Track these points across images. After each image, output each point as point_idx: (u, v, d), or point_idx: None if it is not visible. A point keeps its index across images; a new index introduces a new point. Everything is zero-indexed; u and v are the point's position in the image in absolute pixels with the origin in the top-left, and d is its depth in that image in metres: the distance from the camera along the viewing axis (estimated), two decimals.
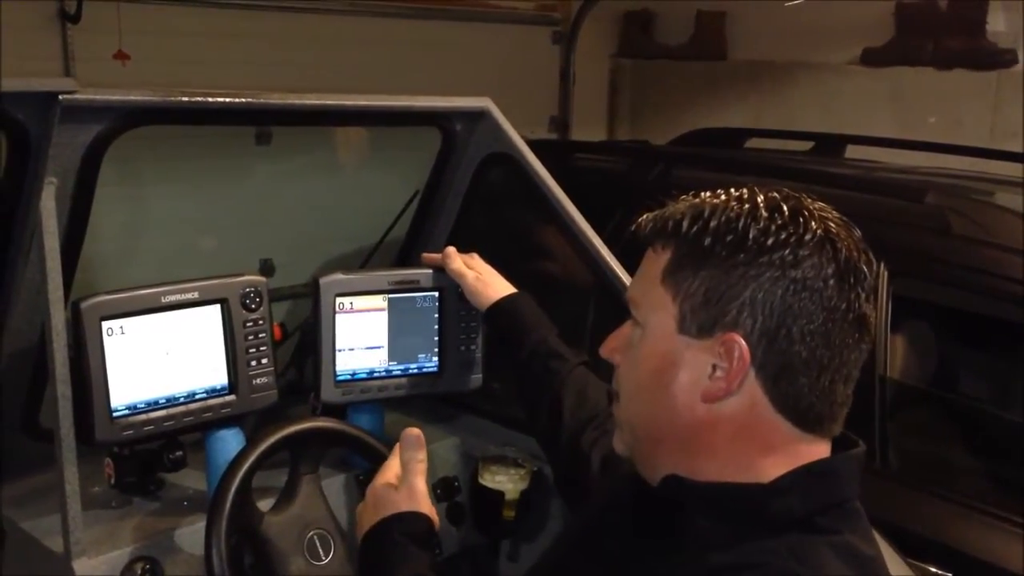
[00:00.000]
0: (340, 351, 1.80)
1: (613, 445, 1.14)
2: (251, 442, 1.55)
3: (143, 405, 1.59)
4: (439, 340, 1.89)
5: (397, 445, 1.40)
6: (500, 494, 1.81)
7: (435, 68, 4.51)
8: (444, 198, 2.12)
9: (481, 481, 1.83)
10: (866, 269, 0.99)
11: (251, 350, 1.69)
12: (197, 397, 1.65)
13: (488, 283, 1.78)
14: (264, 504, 1.58)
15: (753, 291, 0.96)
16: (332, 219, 2.40)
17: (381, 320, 1.84)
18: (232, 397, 1.68)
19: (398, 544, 1.27)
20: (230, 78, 3.73)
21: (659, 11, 5.65)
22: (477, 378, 1.93)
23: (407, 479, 1.34)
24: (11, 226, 1.55)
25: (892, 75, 4.67)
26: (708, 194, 1.05)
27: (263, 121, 1.99)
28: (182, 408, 1.63)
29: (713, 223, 0.99)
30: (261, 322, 1.70)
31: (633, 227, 1.08)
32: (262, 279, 1.72)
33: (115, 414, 1.55)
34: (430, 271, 1.86)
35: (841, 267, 0.97)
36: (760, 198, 1.01)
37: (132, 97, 1.52)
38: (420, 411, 2.06)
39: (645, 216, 1.07)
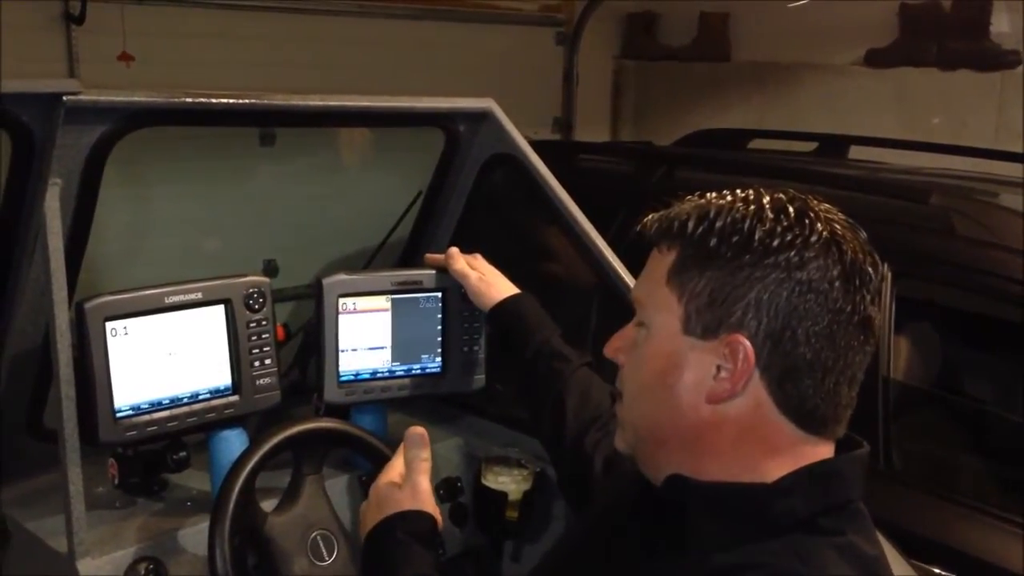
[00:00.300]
0: (343, 352, 1.80)
1: (615, 443, 1.14)
2: (254, 443, 1.55)
3: (147, 406, 1.59)
4: (442, 341, 1.89)
5: (402, 445, 1.40)
6: (503, 495, 1.80)
7: (438, 69, 4.51)
8: (447, 199, 2.12)
9: (484, 482, 1.83)
10: (871, 271, 0.99)
11: (254, 351, 1.69)
12: (200, 398, 1.65)
13: (491, 284, 1.78)
14: (267, 505, 1.58)
15: (758, 292, 0.96)
16: (335, 220, 2.40)
17: (384, 321, 1.84)
18: (235, 398, 1.68)
19: (401, 543, 1.27)
20: (234, 79, 3.73)
21: (663, 12, 5.65)
22: (480, 379, 1.93)
23: (411, 478, 1.34)
24: (15, 227, 1.55)
25: (896, 76, 4.66)
26: (714, 195, 1.05)
27: (267, 122, 2.00)
28: (185, 409, 1.63)
29: (719, 224, 0.99)
30: (264, 323, 1.70)
31: (638, 227, 1.08)
32: (265, 280, 1.72)
33: (119, 415, 1.55)
34: (433, 272, 1.86)
35: (847, 269, 0.97)
36: (766, 199, 1.01)
37: (136, 98, 1.52)
38: (423, 412, 2.06)
39: (651, 216, 1.07)
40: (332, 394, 1.81)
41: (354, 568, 1.58)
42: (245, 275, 1.70)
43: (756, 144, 3.57)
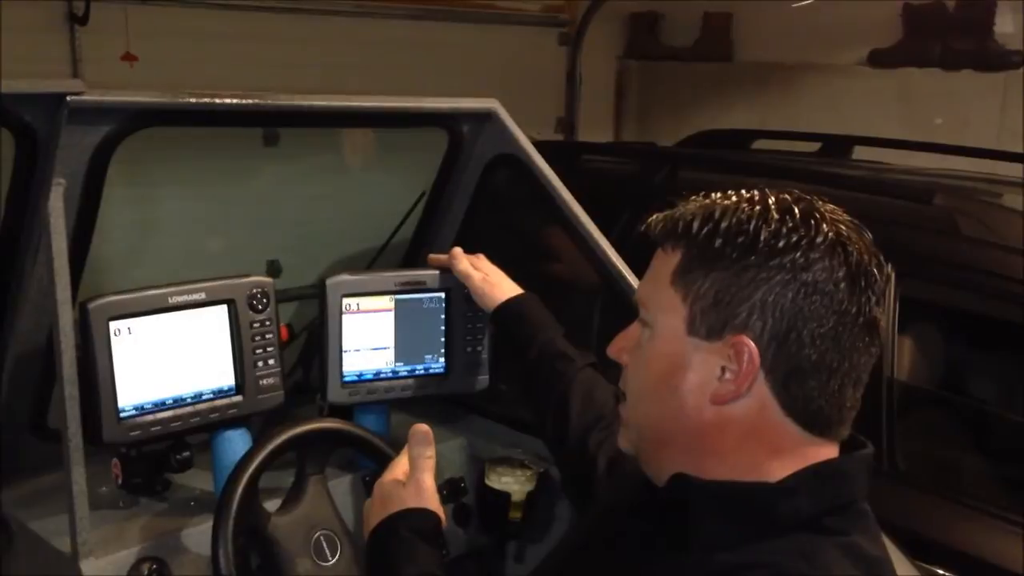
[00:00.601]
0: (347, 352, 1.80)
1: (618, 443, 1.14)
2: (258, 443, 1.55)
3: (150, 406, 1.59)
4: (445, 341, 1.89)
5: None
6: (506, 495, 1.80)
7: (442, 69, 4.52)
8: (451, 199, 2.12)
9: (487, 482, 1.82)
10: (877, 273, 0.99)
11: (258, 351, 1.69)
12: (204, 398, 1.65)
13: (495, 284, 1.78)
14: (271, 505, 1.58)
15: (764, 293, 0.96)
16: (339, 220, 2.40)
17: (388, 321, 1.84)
18: (239, 398, 1.68)
19: (405, 540, 1.27)
20: (238, 79, 3.73)
21: (666, 12, 5.65)
22: (483, 379, 1.93)
23: (415, 475, 1.34)
24: (19, 227, 1.55)
25: (899, 76, 4.66)
26: (719, 195, 1.04)
27: (271, 122, 2.00)
28: (189, 409, 1.63)
29: (724, 224, 0.99)
30: (268, 323, 1.70)
31: (643, 227, 1.07)
32: (269, 280, 1.72)
33: (122, 415, 1.55)
34: (437, 272, 1.86)
35: (852, 271, 0.97)
36: (771, 200, 1.00)
37: (139, 98, 1.52)
38: (426, 412, 2.06)
39: (655, 216, 1.06)
40: (335, 394, 1.81)
41: (357, 568, 1.58)
42: (249, 275, 1.70)
43: (759, 144, 3.57)
